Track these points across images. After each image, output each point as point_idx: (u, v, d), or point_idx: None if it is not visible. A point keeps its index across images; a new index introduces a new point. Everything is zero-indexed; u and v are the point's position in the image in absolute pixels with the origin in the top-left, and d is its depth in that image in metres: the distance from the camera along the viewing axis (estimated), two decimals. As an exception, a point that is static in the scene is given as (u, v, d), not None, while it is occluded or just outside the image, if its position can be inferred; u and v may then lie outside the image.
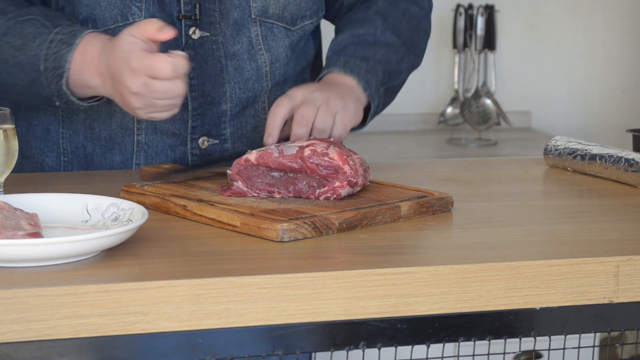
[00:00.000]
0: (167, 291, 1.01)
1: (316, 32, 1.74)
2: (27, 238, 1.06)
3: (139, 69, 1.36)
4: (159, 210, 1.31)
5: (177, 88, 1.38)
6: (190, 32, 1.57)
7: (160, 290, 1.01)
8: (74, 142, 1.62)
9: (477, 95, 3.33)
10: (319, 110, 1.48)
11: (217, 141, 1.60)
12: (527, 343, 1.20)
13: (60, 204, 1.21)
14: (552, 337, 1.16)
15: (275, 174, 1.32)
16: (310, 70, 1.74)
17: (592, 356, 1.81)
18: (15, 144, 1.33)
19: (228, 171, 1.33)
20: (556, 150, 1.65)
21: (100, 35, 1.47)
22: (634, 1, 3.64)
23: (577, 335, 1.18)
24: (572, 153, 1.62)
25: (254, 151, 1.33)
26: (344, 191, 1.30)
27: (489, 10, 3.32)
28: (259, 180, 1.31)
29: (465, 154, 3.22)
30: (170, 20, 1.56)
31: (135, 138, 1.60)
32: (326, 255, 1.13)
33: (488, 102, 3.33)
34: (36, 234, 1.09)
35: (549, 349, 1.23)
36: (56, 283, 1.00)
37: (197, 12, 1.57)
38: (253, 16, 1.61)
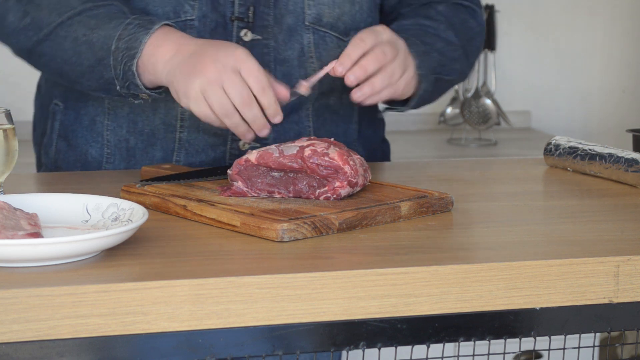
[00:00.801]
0: (167, 291, 1.01)
1: None
2: (27, 238, 1.06)
3: (242, 59, 1.37)
4: (159, 210, 1.31)
5: (244, 97, 1.37)
6: (242, 34, 1.56)
7: (160, 290, 1.01)
8: (118, 135, 1.62)
9: (477, 95, 3.33)
10: (399, 57, 1.47)
11: (258, 145, 1.59)
12: (527, 343, 1.20)
13: (60, 204, 1.21)
14: (552, 337, 1.16)
15: (276, 174, 1.32)
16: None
17: (592, 356, 1.80)
18: (15, 144, 1.33)
19: (228, 171, 1.33)
20: (556, 150, 1.65)
21: (181, 32, 1.47)
22: (634, 1, 3.64)
23: (577, 335, 1.18)
24: (572, 153, 1.62)
25: (254, 151, 1.33)
26: (344, 191, 1.30)
27: (489, 10, 3.32)
28: (259, 180, 1.31)
29: (465, 154, 3.22)
30: (223, 20, 1.56)
31: (178, 135, 1.60)
32: (326, 255, 1.13)
33: (488, 102, 3.33)
34: (36, 234, 1.09)
35: (549, 349, 1.23)
36: (56, 283, 1.00)
37: (251, 15, 1.56)
38: (307, 23, 1.59)
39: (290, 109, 1.60)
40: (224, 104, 1.38)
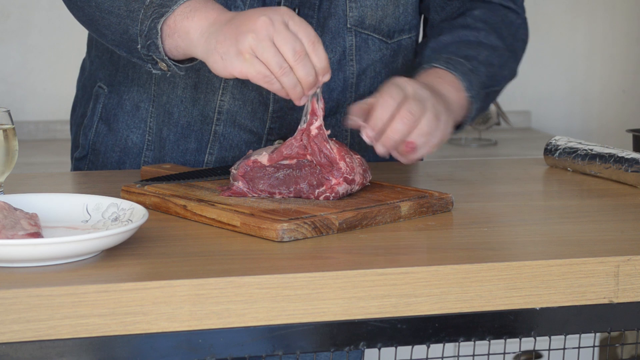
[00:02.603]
0: (167, 291, 1.01)
1: (413, 49, 1.68)
2: (27, 238, 1.06)
3: (292, 16, 1.26)
4: (159, 210, 1.31)
5: (294, 52, 1.25)
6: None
7: (160, 290, 1.01)
8: (158, 123, 1.61)
9: (477, 95, 3.33)
10: (427, 109, 1.35)
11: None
12: (527, 343, 1.20)
13: (60, 204, 1.21)
14: (552, 337, 1.16)
15: (279, 174, 1.32)
16: None
17: (592, 356, 1.81)
18: (15, 144, 1.33)
19: (233, 170, 1.33)
20: (556, 150, 1.65)
21: (220, 5, 1.37)
22: (634, 1, 3.64)
23: (577, 335, 1.18)
24: (572, 153, 1.62)
25: (263, 152, 1.32)
26: (342, 188, 1.30)
27: (489, 10, 3.32)
28: (262, 181, 1.31)
29: (465, 154, 3.22)
30: None
31: (213, 128, 1.59)
32: (326, 255, 1.13)
33: (488, 102, 3.32)
34: (36, 234, 1.09)
35: (549, 349, 1.23)
36: (56, 283, 1.00)
37: (296, 10, 1.54)
38: (349, 25, 1.58)
39: (328, 111, 1.59)
40: (279, 61, 1.26)
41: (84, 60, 1.74)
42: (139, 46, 1.40)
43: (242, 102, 1.56)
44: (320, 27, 1.57)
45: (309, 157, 1.31)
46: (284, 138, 1.57)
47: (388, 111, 1.32)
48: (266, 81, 1.27)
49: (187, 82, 1.57)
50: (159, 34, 1.36)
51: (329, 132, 1.33)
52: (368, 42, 1.60)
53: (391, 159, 1.72)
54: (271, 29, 1.25)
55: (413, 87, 1.36)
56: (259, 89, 1.57)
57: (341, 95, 1.60)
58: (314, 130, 1.31)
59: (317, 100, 1.32)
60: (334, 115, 1.61)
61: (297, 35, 1.26)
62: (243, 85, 1.57)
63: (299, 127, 1.32)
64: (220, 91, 1.56)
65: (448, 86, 1.49)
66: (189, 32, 1.34)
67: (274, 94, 1.55)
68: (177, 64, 1.40)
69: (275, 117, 1.58)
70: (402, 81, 1.37)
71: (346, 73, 1.60)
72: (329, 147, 1.30)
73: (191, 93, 1.57)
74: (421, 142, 1.34)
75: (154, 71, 1.43)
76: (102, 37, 1.51)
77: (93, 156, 1.66)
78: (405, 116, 1.32)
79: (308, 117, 1.32)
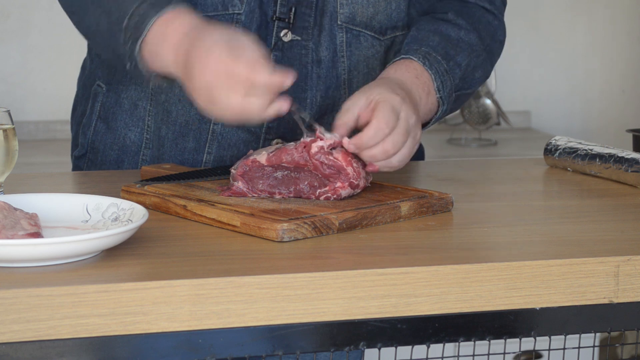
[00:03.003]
0: (167, 291, 1.01)
1: None
2: (27, 238, 1.06)
3: (225, 56, 1.27)
4: (159, 210, 1.31)
5: (251, 94, 1.27)
6: (282, 34, 1.56)
7: (160, 290, 1.01)
8: (156, 122, 1.62)
9: (477, 95, 3.33)
10: (407, 142, 1.35)
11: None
12: (527, 343, 1.20)
13: (60, 204, 1.21)
14: (552, 337, 1.16)
15: (279, 174, 1.32)
16: None
17: (592, 356, 1.81)
18: (15, 144, 1.33)
19: (232, 170, 1.33)
20: (556, 150, 1.65)
21: (193, 14, 1.38)
22: (634, 1, 3.64)
23: (577, 335, 1.18)
24: (572, 153, 1.62)
25: (262, 151, 1.32)
26: (345, 192, 1.30)
27: (489, 10, 3.32)
28: (261, 181, 1.31)
29: (465, 154, 3.22)
30: (265, 19, 1.55)
31: (211, 127, 1.59)
32: (326, 255, 1.13)
33: (488, 102, 3.33)
34: (36, 234, 1.09)
35: (549, 349, 1.23)
36: (56, 283, 1.00)
37: (292, 16, 1.55)
38: (339, 22, 1.58)
39: (325, 109, 1.59)
40: (239, 104, 1.29)
41: (85, 59, 1.74)
42: (128, 66, 1.42)
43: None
44: (317, 26, 1.57)
45: (312, 167, 1.31)
46: (283, 137, 1.58)
47: (378, 138, 1.32)
48: (240, 120, 1.31)
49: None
50: (138, 58, 1.40)
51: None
52: (360, 38, 1.60)
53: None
54: (220, 81, 1.27)
55: (406, 113, 1.36)
56: (314, 91, 1.59)
57: (335, 92, 1.61)
58: (314, 148, 1.30)
59: (301, 112, 1.33)
60: (331, 113, 1.61)
61: (238, 67, 1.26)
62: (300, 87, 1.57)
63: (302, 139, 1.32)
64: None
65: (421, 89, 1.48)
66: (165, 61, 1.38)
67: (330, 94, 1.58)
68: (163, 77, 1.42)
69: (330, 117, 1.58)
70: (397, 103, 1.36)
71: (338, 70, 1.60)
72: (332, 158, 1.30)
73: (159, 86, 1.57)
74: (383, 166, 1.35)
75: (149, 79, 1.44)
76: (99, 52, 1.57)
77: (92, 154, 1.66)
78: (389, 149, 1.32)
79: (306, 130, 1.33)
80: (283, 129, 1.58)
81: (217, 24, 1.35)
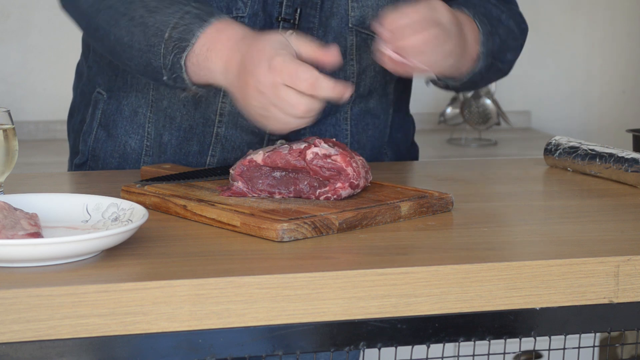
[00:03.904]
0: (167, 291, 1.01)
1: None
2: (27, 238, 1.06)
3: (279, 70, 1.27)
4: (159, 210, 1.31)
5: (302, 106, 1.28)
6: (287, 34, 1.55)
7: (160, 290, 1.01)
8: (157, 128, 1.62)
9: (477, 95, 3.33)
10: (446, 47, 1.40)
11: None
12: (527, 343, 1.20)
13: (60, 204, 1.21)
14: (552, 337, 1.16)
15: (277, 174, 1.32)
16: (394, 85, 1.69)
17: (592, 356, 1.81)
18: (15, 144, 1.33)
19: (231, 170, 1.33)
20: (556, 150, 1.65)
21: (238, 25, 1.40)
22: (634, 1, 3.64)
23: (577, 335, 1.18)
24: (572, 153, 1.62)
25: (260, 151, 1.33)
26: (345, 192, 1.30)
27: (489, 10, 3.32)
28: (260, 181, 1.31)
29: (465, 154, 3.22)
30: (269, 21, 1.55)
31: (215, 130, 1.59)
32: (326, 255, 1.13)
33: (488, 102, 3.33)
34: (36, 234, 1.09)
35: (549, 349, 1.23)
36: (56, 283, 1.00)
37: (297, 17, 1.55)
38: (350, 25, 1.58)
39: (327, 112, 1.59)
40: (288, 122, 1.31)
41: (79, 64, 1.74)
42: (165, 78, 1.43)
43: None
44: (323, 27, 1.57)
45: (311, 172, 1.31)
46: (286, 137, 1.58)
47: (411, 30, 1.36)
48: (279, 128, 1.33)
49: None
50: (184, 69, 1.40)
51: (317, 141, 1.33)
52: (368, 41, 1.60)
53: (391, 159, 1.73)
54: (269, 103, 1.29)
55: (448, 19, 1.40)
56: None
57: None
58: (309, 155, 1.30)
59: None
60: (335, 115, 1.61)
61: (296, 86, 1.27)
62: None
63: (296, 146, 1.31)
64: (222, 93, 1.56)
65: (470, 34, 1.51)
66: (212, 71, 1.39)
67: None
68: (203, 87, 1.44)
69: (334, 118, 1.58)
70: (440, 5, 1.40)
71: (347, 72, 1.60)
72: (330, 160, 1.30)
73: (193, 97, 1.57)
74: (416, 65, 1.39)
75: (181, 95, 1.49)
76: (126, 66, 1.54)
77: (92, 162, 1.66)
78: (430, 41, 1.37)
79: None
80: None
81: (267, 33, 1.34)
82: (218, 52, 1.38)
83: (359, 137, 1.64)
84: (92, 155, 1.66)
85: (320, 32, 1.57)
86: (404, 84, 1.72)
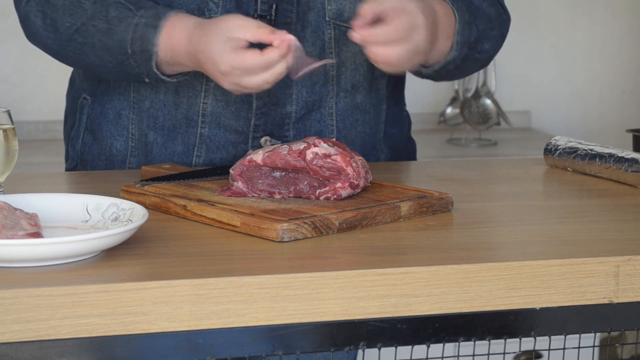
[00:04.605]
0: (167, 291, 1.01)
1: None
2: (27, 238, 1.06)
3: (229, 73, 1.39)
4: (159, 210, 1.31)
5: (267, 81, 1.38)
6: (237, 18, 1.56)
7: (160, 290, 1.01)
8: (140, 129, 1.62)
9: (477, 95, 3.33)
10: (414, 54, 1.42)
11: (279, 142, 1.58)
12: (527, 343, 1.20)
13: (60, 204, 1.21)
14: (552, 337, 1.16)
15: (277, 174, 1.32)
16: (387, 80, 1.70)
17: (592, 356, 1.81)
18: (15, 144, 1.33)
19: (231, 170, 1.33)
20: (556, 150, 1.65)
21: (186, 18, 1.48)
22: (634, 1, 3.64)
23: (577, 335, 1.18)
24: (572, 153, 1.62)
25: (259, 151, 1.33)
26: (345, 192, 1.30)
27: (489, 10, 3.31)
28: (260, 181, 1.31)
29: (465, 154, 3.22)
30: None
31: (199, 130, 1.60)
32: (326, 255, 1.13)
33: (488, 102, 3.33)
34: (36, 234, 1.09)
35: (549, 349, 1.23)
36: (56, 283, 1.00)
37: (273, 12, 1.55)
38: (327, 19, 1.58)
39: (311, 105, 1.60)
40: (263, 88, 1.41)
41: (72, 73, 1.76)
42: (147, 80, 1.52)
43: (225, 103, 1.57)
44: (301, 22, 1.57)
45: (311, 173, 1.31)
46: (270, 134, 1.58)
47: (385, 40, 1.39)
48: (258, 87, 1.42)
49: (168, 87, 1.59)
50: (159, 72, 1.49)
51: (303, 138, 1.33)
52: (347, 34, 1.59)
53: (387, 155, 1.72)
54: (236, 86, 1.42)
55: (422, 37, 1.41)
56: (300, 87, 1.59)
57: (323, 89, 1.61)
58: (309, 155, 1.30)
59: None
60: (318, 109, 1.61)
61: (250, 71, 1.39)
62: (285, 83, 1.57)
63: (294, 147, 1.31)
64: (203, 94, 1.58)
65: (445, 23, 1.52)
66: (183, 65, 1.48)
67: (318, 91, 1.60)
68: (187, 75, 1.54)
69: (260, 113, 1.58)
70: (420, 23, 1.41)
71: (326, 66, 1.60)
72: (330, 160, 1.30)
73: (173, 97, 1.59)
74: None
75: (172, 83, 1.56)
76: (111, 80, 1.63)
77: (81, 166, 1.68)
78: (392, 60, 1.40)
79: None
80: (270, 126, 1.58)
81: (214, 21, 1.42)
82: (180, 51, 1.46)
83: (346, 132, 1.64)
84: (80, 160, 1.68)
85: (298, 27, 1.57)
86: (396, 79, 1.72)
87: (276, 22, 1.55)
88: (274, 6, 1.55)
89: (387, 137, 1.71)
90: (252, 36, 1.38)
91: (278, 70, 1.38)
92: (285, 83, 1.56)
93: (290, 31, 1.54)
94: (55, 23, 1.54)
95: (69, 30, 1.52)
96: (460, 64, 1.59)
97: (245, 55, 1.37)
